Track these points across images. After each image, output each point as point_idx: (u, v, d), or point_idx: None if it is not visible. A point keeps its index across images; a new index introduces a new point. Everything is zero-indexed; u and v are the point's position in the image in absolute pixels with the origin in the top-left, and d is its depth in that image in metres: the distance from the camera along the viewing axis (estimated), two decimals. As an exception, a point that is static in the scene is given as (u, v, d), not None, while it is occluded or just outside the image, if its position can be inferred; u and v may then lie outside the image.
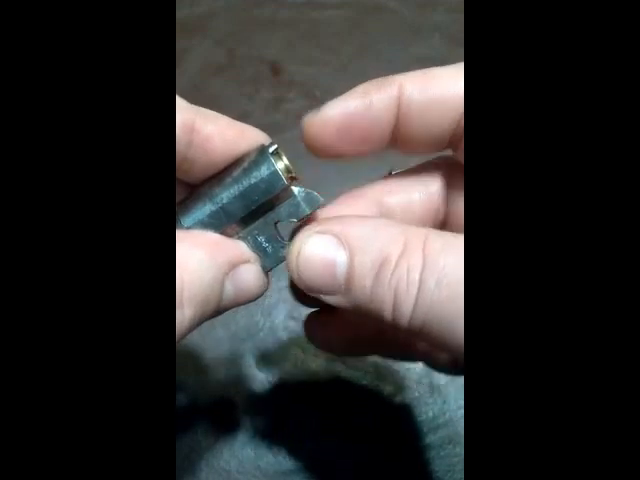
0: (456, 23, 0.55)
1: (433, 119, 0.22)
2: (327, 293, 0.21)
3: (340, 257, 0.20)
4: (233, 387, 0.39)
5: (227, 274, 0.21)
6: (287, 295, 0.43)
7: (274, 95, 0.52)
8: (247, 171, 0.21)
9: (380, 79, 0.22)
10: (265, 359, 0.40)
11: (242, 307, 0.42)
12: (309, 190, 0.22)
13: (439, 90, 0.22)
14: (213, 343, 0.41)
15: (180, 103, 0.21)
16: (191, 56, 0.54)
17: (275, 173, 0.21)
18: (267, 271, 0.23)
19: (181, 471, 0.37)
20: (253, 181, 0.21)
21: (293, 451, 0.38)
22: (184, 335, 0.19)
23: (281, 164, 0.21)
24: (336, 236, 0.20)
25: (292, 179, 0.22)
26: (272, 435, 0.38)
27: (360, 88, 0.22)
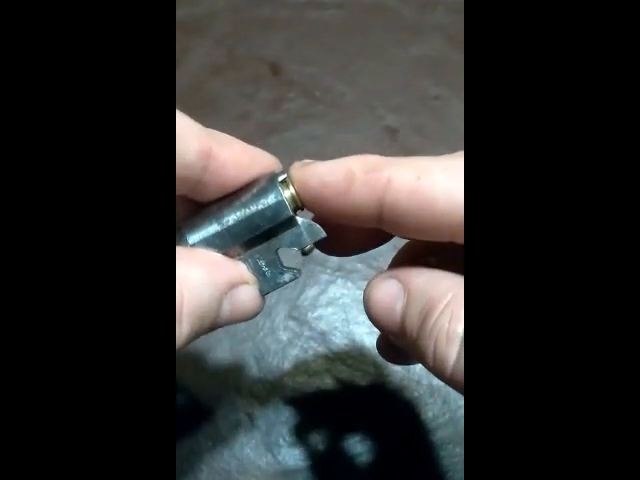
0: (456, 23, 0.55)
1: (420, 224, 0.20)
2: (390, 333, 0.22)
3: (399, 301, 0.21)
4: (233, 387, 0.39)
5: (225, 293, 0.21)
6: (287, 295, 0.43)
7: (274, 95, 0.52)
8: (255, 197, 0.22)
9: (369, 162, 0.21)
10: (265, 359, 0.40)
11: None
12: (312, 222, 0.22)
13: (429, 200, 0.19)
14: (213, 343, 0.41)
15: (196, 129, 0.21)
16: (191, 56, 0.54)
17: (281, 202, 0.21)
18: (264, 294, 0.23)
19: (181, 472, 0.37)
20: (260, 207, 0.22)
21: (293, 451, 0.38)
22: (180, 349, 0.20)
23: (288, 193, 0.22)
24: (401, 282, 0.21)
25: (297, 209, 0.22)
26: (272, 435, 0.38)
27: (346, 164, 0.21)
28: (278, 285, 0.23)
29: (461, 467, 0.37)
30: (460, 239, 0.20)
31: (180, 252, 0.21)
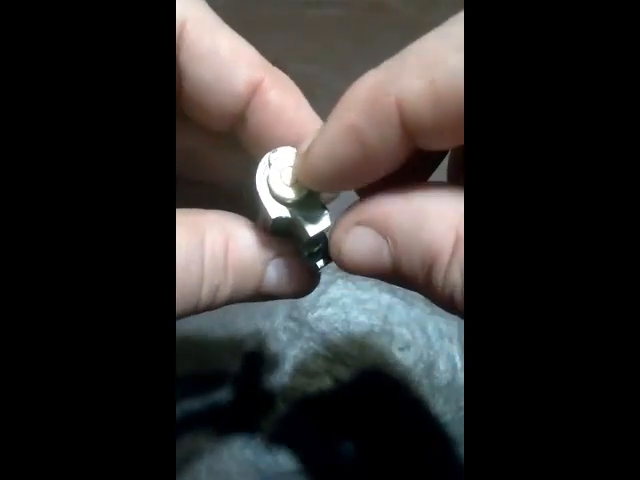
0: (456, 22, 0.55)
1: (444, 127, 0.17)
2: (377, 277, 0.19)
3: (384, 251, 0.18)
4: (233, 388, 0.39)
5: (271, 259, 0.21)
6: (287, 295, 0.43)
7: (274, 95, 0.52)
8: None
9: (369, 99, 0.17)
10: (265, 360, 0.40)
11: (242, 308, 0.42)
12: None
13: (451, 99, 0.17)
14: (213, 344, 0.41)
15: (250, 55, 0.20)
16: (191, 56, 0.53)
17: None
18: (316, 270, 0.22)
19: (181, 473, 0.37)
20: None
21: (292, 452, 0.38)
22: (219, 306, 0.20)
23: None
24: (378, 231, 0.18)
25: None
26: (271, 436, 0.38)
27: (344, 120, 0.17)
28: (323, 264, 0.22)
29: (461, 467, 0.37)
30: None
31: (230, 214, 0.20)
